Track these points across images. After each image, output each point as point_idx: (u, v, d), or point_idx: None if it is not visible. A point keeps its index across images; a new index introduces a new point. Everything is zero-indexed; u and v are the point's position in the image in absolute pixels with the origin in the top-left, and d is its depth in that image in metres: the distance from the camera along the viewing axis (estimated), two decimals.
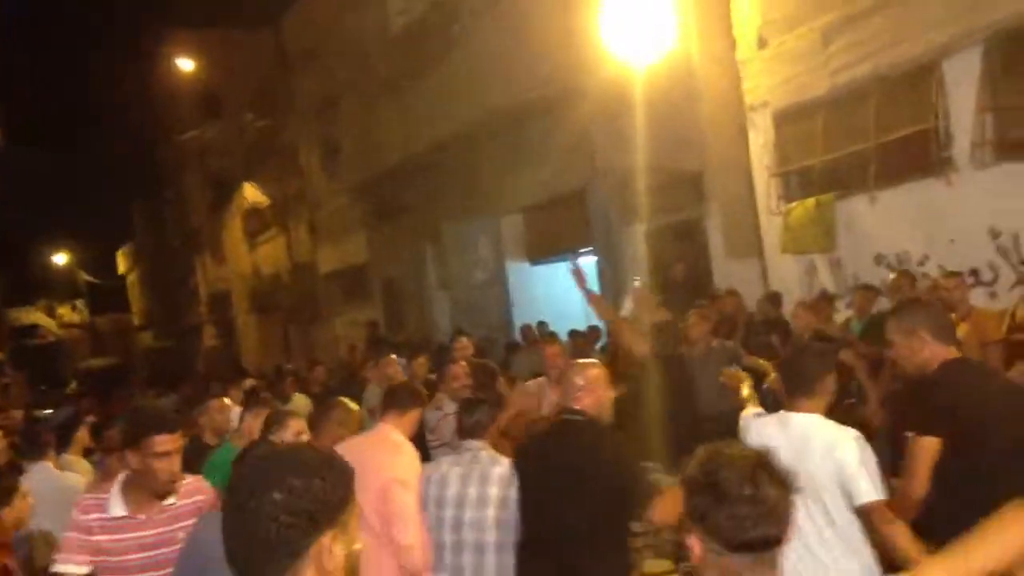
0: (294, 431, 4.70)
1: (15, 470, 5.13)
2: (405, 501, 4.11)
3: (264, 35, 22.83)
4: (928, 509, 3.42)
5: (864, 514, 3.42)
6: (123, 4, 46.38)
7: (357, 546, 1.80)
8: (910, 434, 3.50)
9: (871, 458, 3.43)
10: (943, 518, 3.13)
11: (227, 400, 7.15)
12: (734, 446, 1.98)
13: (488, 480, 4.09)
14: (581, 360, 4.34)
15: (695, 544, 1.91)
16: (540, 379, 6.85)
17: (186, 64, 25.47)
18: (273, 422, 4.79)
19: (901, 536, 3.29)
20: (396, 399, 4.65)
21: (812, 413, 3.60)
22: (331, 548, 1.71)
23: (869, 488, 3.36)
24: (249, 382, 10.86)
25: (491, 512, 4.02)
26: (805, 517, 3.38)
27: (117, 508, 3.55)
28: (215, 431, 6.56)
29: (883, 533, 3.37)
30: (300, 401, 8.87)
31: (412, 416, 4.61)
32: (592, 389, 3.93)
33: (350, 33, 17.49)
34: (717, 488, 1.85)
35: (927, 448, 3.43)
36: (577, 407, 3.91)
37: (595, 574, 3.67)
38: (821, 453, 3.44)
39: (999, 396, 3.56)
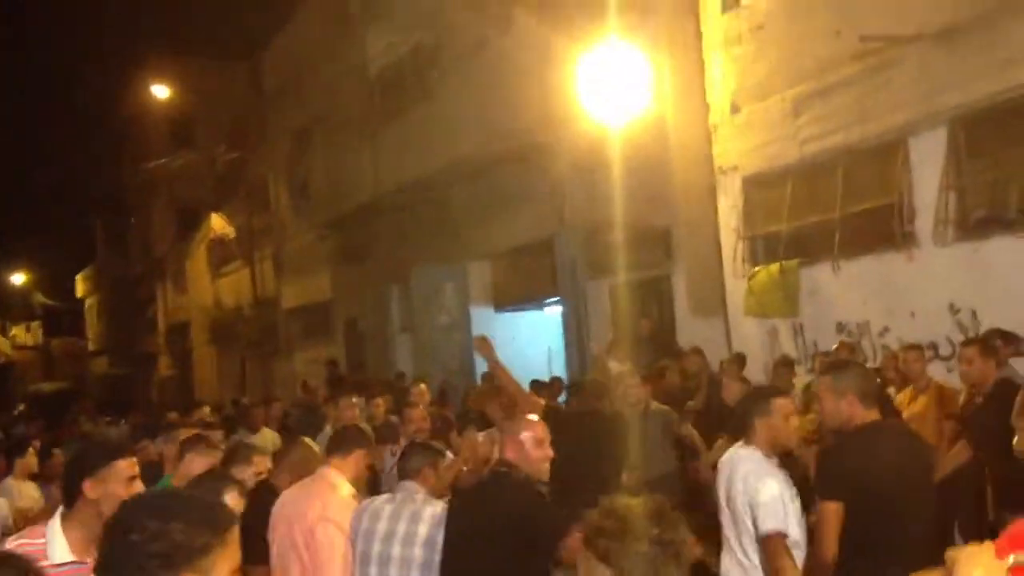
0: (255, 470, 4.68)
1: None
2: (330, 539, 4.26)
3: (241, 67, 22.89)
4: (844, 568, 3.63)
5: (762, 543, 3.78)
6: (103, 25, 46.28)
7: None
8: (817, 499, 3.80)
9: (786, 496, 3.82)
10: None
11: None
12: (636, 498, 2.05)
13: (419, 519, 4.17)
14: (521, 416, 4.45)
15: None
16: (491, 431, 6.78)
17: (161, 91, 25.37)
18: (238, 457, 4.76)
19: (786, 572, 3.65)
20: (339, 441, 4.75)
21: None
22: None
23: (768, 520, 3.73)
24: (206, 410, 10.69)
25: (417, 551, 4.10)
26: (733, 535, 3.93)
27: (60, 553, 3.10)
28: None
29: (772, 566, 3.72)
30: (268, 436, 8.74)
31: (356, 457, 4.63)
32: (523, 443, 4.01)
33: (328, 72, 17.57)
34: (626, 529, 1.90)
35: (831, 512, 3.65)
36: (508, 459, 4.02)
37: None
38: (741, 482, 3.89)
39: (907, 462, 3.80)
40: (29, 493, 7.40)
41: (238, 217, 24.25)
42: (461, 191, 14.33)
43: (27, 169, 47.38)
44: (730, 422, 4.28)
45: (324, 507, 4.31)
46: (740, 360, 9.11)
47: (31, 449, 7.76)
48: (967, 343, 6.19)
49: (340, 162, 17.42)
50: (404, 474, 4.41)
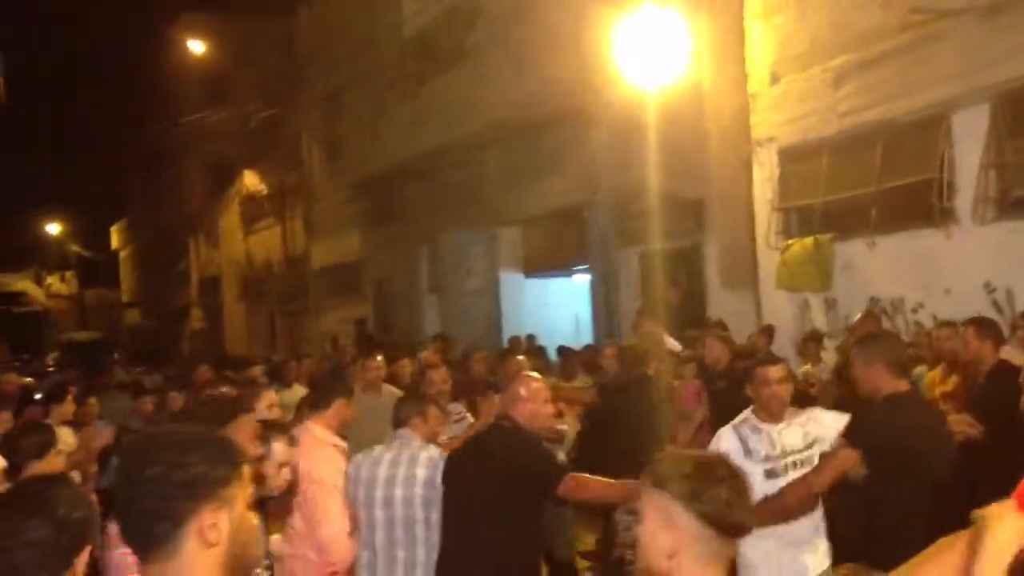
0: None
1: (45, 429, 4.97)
2: (321, 500, 4.38)
3: (277, 25, 22.82)
4: (863, 530, 3.70)
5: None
6: None
7: (253, 522, 1.86)
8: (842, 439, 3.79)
9: (738, 454, 4.00)
10: (873, 538, 3.47)
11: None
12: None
13: (416, 462, 4.38)
14: (527, 373, 4.62)
15: (676, 526, 1.97)
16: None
17: (196, 46, 25.41)
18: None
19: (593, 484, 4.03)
20: (317, 396, 4.81)
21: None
22: (214, 521, 1.75)
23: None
24: (257, 369, 10.68)
25: (418, 490, 4.31)
26: None
27: None
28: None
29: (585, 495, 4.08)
30: (298, 391, 8.81)
31: (337, 408, 4.71)
32: (528, 400, 4.16)
33: (363, 31, 17.49)
34: (712, 473, 1.99)
35: (850, 457, 3.68)
36: (511, 414, 4.17)
37: (506, 544, 3.98)
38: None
39: (925, 435, 3.80)
40: (65, 439, 7.53)
41: (270, 175, 24.35)
42: (494, 156, 14.26)
43: (64, 122, 47.76)
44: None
45: (310, 469, 4.37)
46: (769, 332, 9.06)
47: (69, 396, 7.88)
48: (966, 323, 6.12)
49: (373, 123, 17.39)
50: (397, 423, 4.59)
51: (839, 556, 4.02)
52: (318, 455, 4.49)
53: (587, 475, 4.12)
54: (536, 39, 12.16)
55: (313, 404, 4.76)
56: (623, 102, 10.51)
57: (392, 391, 6.89)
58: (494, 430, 4.30)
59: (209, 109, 28.09)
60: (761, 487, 3.86)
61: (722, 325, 9.54)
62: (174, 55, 27.94)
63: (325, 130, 20.85)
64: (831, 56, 9.18)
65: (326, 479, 4.44)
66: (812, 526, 4.09)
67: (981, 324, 5.87)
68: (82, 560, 2.27)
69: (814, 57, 9.39)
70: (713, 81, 10.54)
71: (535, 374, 4.56)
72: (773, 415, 4.22)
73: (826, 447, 3.97)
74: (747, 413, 4.28)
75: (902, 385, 3.90)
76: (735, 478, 2.04)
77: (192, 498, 1.75)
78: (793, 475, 3.97)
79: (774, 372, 4.27)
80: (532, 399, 4.18)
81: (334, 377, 4.88)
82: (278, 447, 3.57)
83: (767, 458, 4.11)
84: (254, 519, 1.88)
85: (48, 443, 4.35)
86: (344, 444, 4.74)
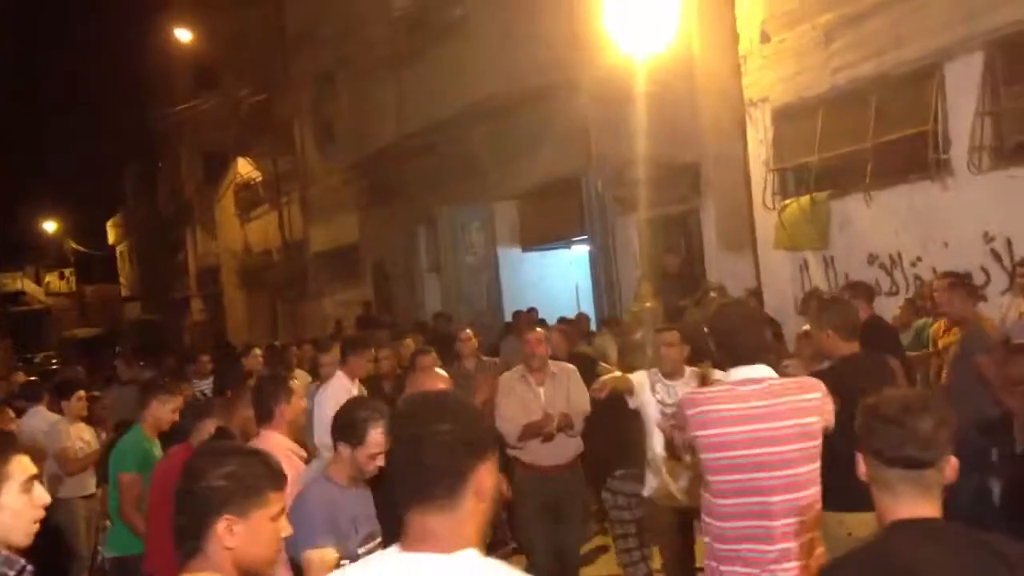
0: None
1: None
2: None
3: (264, 9, 22.67)
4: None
5: None
6: None
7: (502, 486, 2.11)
8: None
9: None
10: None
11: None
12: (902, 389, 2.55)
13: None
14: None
15: (861, 460, 2.30)
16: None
17: (184, 34, 25.26)
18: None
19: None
20: (259, 412, 4.52)
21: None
22: (487, 475, 1.93)
23: None
24: (257, 351, 10.69)
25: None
26: None
27: None
28: None
29: None
30: (300, 376, 8.83)
31: (281, 413, 4.47)
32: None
33: (350, 11, 17.38)
34: (879, 414, 2.26)
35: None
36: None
37: None
38: None
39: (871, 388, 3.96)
40: (80, 435, 7.53)
41: (264, 161, 24.26)
42: (486, 130, 14.20)
43: (53, 117, 47.56)
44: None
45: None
46: (757, 294, 9.22)
47: (81, 392, 7.82)
48: (941, 276, 6.28)
49: (365, 104, 17.31)
50: None
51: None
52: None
53: None
54: (524, 9, 12.09)
55: (259, 421, 4.52)
56: (613, 70, 10.46)
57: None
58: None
59: (199, 97, 28.00)
60: (656, 417, 5.11)
61: (722, 290, 9.56)
62: (162, 44, 27.77)
63: (317, 113, 20.76)
64: (820, 13, 9.12)
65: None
66: None
67: (954, 278, 6.36)
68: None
69: (804, 14, 9.33)
70: (703, 44, 10.48)
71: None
72: (669, 373, 5.38)
73: None
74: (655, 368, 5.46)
75: (854, 347, 4.45)
76: (907, 417, 2.29)
77: (475, 456, 1.91)
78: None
79: (664, 337, 5.46)
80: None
81: (270, 386, 4.53)
82: (376, 432, 3.58)
83: (662, 402, 5.23)
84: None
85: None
86: (303, 452, 4.63)
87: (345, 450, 3.54)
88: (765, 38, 9.83)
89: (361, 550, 3.38)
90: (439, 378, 4.65)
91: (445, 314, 13.51)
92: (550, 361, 6.29)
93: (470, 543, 1.89)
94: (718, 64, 10.40)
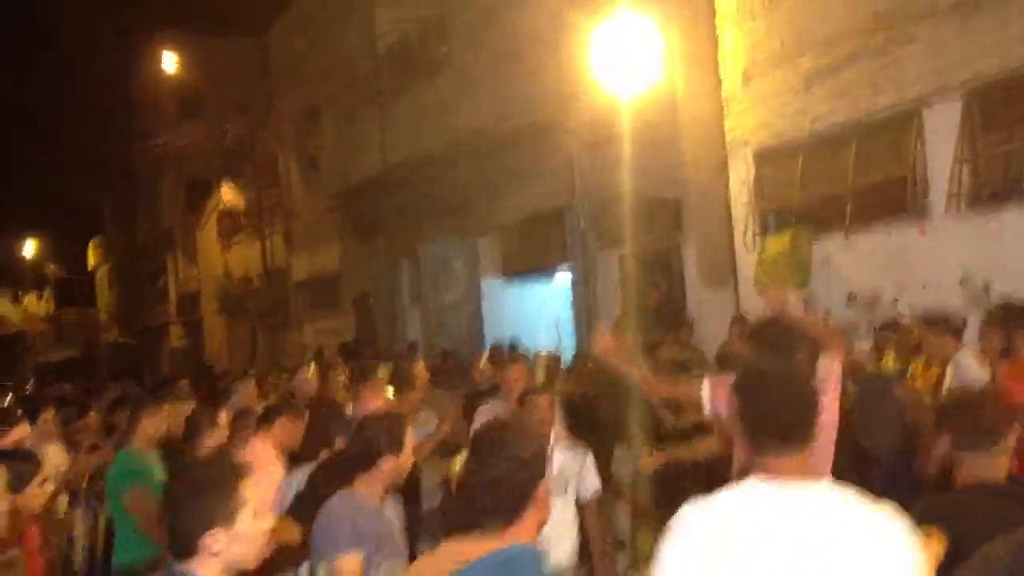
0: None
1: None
2: None
3: (250, 43, 22.82)
4: None
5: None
6: (113, 1, 46.11)
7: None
8: None
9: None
10: None
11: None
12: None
13: None
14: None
15: (942, 444, 2.96)
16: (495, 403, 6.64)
17: (170, 63, 25.33)
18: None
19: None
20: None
21: None
22: (545, 496, 2.29)
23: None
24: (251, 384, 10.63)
25: None
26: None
27: None
28: None
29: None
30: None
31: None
32: None
33: (336, 47, 17.52)
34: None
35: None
36: None
37: None
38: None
39: None
40: (52, 459, 7.33)
41: (247, 192, 24.28)
42: (470, 166, 14.28)
43: (37, 141, 47.44)
44: None
45: None
46: (741, 322, 9.25)
47: (48, 414, 7.66)
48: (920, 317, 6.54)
49: (350, 137, 17.41)
50: None
51: None
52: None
53: None
54: (508, 50, 12.23)
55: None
56: (599, 109, 10.60)
57: None
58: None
59: (184, 127, 28.02)
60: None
61: (688, 326, 9.72)
62: (148, 73, 27.82)
63: (301, 146, 20.83)
64: (801, 58, 9.31)
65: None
66: None
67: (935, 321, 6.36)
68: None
69: (785, 60, 9.52)
70: (687, 85, 10.64)
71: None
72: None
73: None
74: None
75: None
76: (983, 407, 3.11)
77: (540, 475, 2.28)
78: None
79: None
80: None
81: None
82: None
83: None
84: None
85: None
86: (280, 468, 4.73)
87: (390, 461, 3.58)
88: (747, 82, 10.01)
89: (382, 569, 3.38)
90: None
91: (414, 345, 13.68)
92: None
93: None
94: (702, 105, 10.56)
